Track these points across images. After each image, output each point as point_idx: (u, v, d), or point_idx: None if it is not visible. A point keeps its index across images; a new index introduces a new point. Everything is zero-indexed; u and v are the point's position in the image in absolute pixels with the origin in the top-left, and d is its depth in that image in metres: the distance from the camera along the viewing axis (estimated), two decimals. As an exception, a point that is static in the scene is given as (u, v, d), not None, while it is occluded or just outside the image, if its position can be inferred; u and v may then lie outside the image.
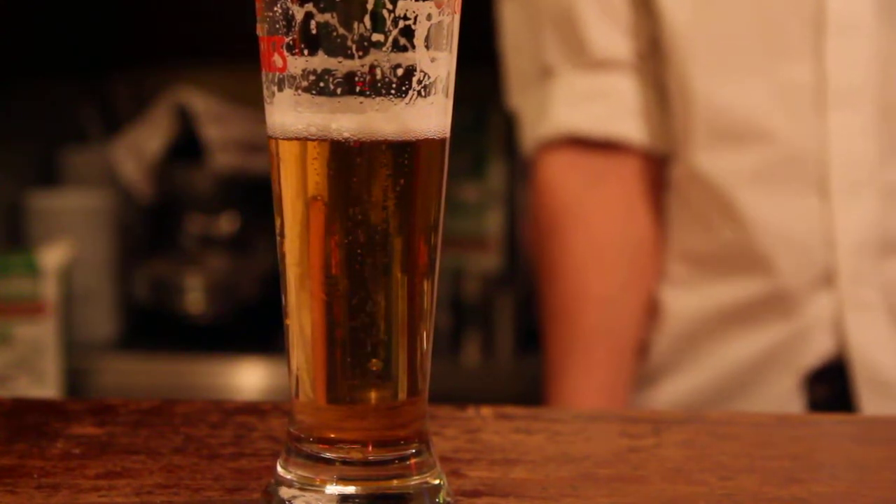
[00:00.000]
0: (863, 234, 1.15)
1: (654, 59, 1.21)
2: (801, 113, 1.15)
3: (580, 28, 1.21)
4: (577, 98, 1.22)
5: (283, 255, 0.57)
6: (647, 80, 1.22)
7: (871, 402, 1.14)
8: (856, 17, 1.14)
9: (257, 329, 1.93)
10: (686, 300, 1.22)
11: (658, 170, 1.23)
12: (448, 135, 0.57)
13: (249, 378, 1.88)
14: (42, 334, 1.72)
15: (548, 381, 1.23)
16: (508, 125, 2.13)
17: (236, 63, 1.63)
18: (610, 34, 1.21)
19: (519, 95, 1.29)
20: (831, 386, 1.17)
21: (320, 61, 0.54)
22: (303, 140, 0.55)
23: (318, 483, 0.56)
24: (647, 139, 1.22)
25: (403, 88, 0.55)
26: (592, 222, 1.22)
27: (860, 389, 1.14)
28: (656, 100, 1.22)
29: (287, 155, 0.56)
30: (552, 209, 1.23)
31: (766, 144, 1.16)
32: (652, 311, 1.24)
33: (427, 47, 0.55)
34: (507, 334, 1.99)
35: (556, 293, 1.23)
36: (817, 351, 1.16)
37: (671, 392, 1.24)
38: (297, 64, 0.55)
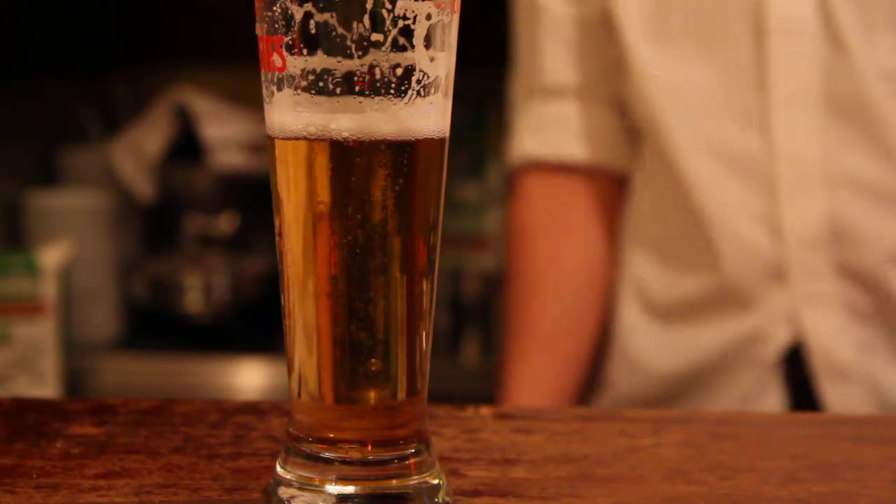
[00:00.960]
0: (812, 229, 1.17)
1: (615, 77, 1.28)
2: (748, 112, 1.17)
3: (538, 57, 1.31)
4: (535, 126, 1.32)
5: (283, 255, 0.57)
6: (601, 101, 1.30)
7: (831, 390, 1.16)
8: (798, 18, 1.16)
9: (257, 329, 1.93)
10: (650, 295, 1.26)
11: (617, 187, 1.31)
12: (447, 134, 0.57)
13: (249, 378, 1.88)
14: (41, 334, 1.72)
15: (500, 375, 1.29)
16: (508, 125, 2.13)
17: (236, 63, 1.63)
18: (560, 62, 1.30)
19: (514, 112, 1.38)
20: (793, 374, 1.19)
21: (319, 61, 0.54)
22: (302, 140, 0.55)
23: (317, 483, 0.56)
24: (597, 158, 1.30)
25: (403, 88, 0.55)
26: (554, 238, 1.31)
27: (820, 379, 1.17)
28: (612, 117, 1.30)
29: (286, 155, 0.56)
30: (522, 222, 1.33)
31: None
32: (603, 329, 1.31)
33: (426, 47, 0.55)
34: (507, 334, 1.99)
35: (517, 295, 1.31)
36: (776, 345, 1.18)
37: (634, 384, 1.26)
38: (297, 64, 0.55)
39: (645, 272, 1.26)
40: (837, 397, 1.17)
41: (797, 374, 1.19)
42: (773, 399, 1.19)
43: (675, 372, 1.24)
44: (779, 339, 1.18)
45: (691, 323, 1.23)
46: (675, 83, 1.20)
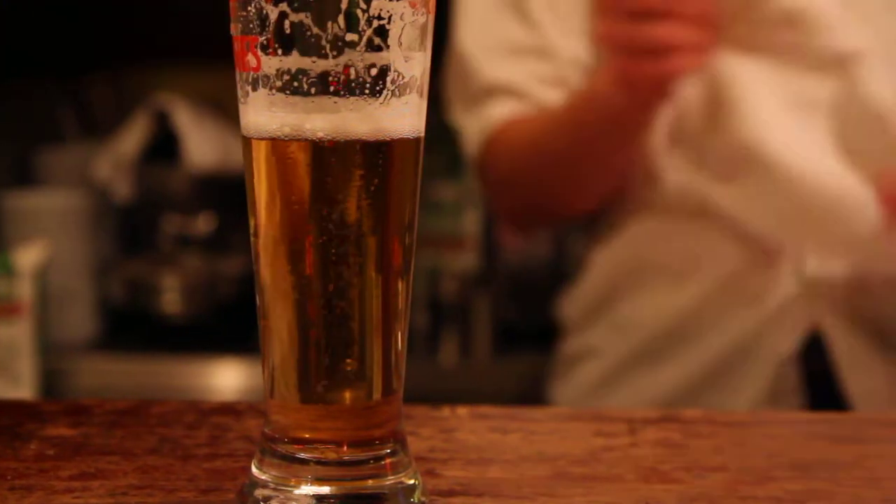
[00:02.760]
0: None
1: None
2: None
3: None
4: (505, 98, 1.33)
5: (258, 256, 0.57)
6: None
7: (853, 377, 1.17)
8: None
9: (234, 329, 1.92)
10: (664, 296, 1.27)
11: None
12: (422, 134, 0.57)
13: (226, 378, 1.88)
14: (17, 335, 1.71)
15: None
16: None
17: (213, 64, 1.63)
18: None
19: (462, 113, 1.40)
20: (814, 362, 1.20)
21: (294, 61, 0.54)
22: (277, 140, 0.55)
23: (292, 483, 0.56)
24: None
25: (377, 88, 0.54)
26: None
27: (840, 364, 1.18)
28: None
29: (261, 155, 0.56)
30: (501, 152, 1.32)
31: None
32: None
33: (401, 47, 0.55)
34: (485, 334, 1.99)
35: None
36: (790, 335, 1.19)
37: (651, 385, 1.26)
38: (271, 64, 0.55)
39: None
40: (858, 384, 1.18)
41: (816, 366, 1.21)
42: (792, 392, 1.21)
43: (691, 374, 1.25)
44: (793, 331, 1.20)
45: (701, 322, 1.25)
46: None
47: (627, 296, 1.32)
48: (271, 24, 0.54)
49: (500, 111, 1.32)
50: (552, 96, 1.30)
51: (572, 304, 1.39)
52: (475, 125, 1.35)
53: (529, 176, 1.31)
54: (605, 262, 1.34)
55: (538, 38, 1.32)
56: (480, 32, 1.35)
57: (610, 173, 1.29)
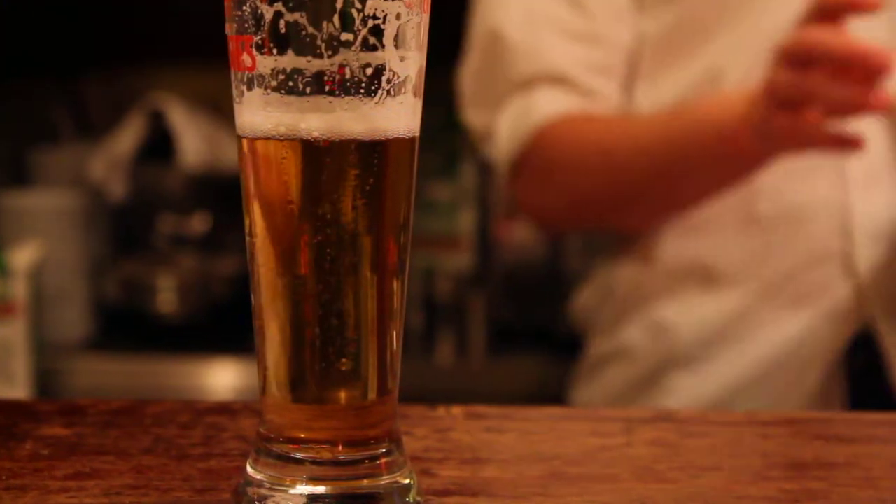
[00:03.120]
0: (879, 222, 1.18)
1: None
2: None
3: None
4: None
5: (253, 255, 0.57)
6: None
7: None
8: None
9: (229, 329, 1.92)
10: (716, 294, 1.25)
11: None
12: (417, 134, 0.57)
13: (221, 378, 1.88)
14: (12, 335, 1.71)
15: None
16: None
17: (208, 64, 1.63)
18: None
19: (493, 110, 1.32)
20: (860, 361, 1.20)
21: (289, 61, 0.54)
22: (272, 140, 0.55)
23: (287, 483, 0.56)
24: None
25: (373, 88, 0.54)
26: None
27: (892, 362, 1.19)
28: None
29: (256, 154, 0.56)
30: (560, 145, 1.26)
31: None
32: None
33: (396, 47, 0.55)
34: (480, 333, 1.99)
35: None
36: (841, 335, 1.19)
37: (688, 389, 1.25)
38: (266, 63, 0.55)
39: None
40: None
41: (863, 364, 1.20)
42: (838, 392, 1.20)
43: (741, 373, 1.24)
44: (846, 330, 1.20)
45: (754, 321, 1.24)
46: None
47: (664, 297, 1.27)
48: (266, 24, 0.54)
49: (552, 102, 1.25)
50: (600, 85, 1.25)
51: (596, 305, 1.35)
52: (515, 114, 1.27)
53: (591, 185, 1.25)
54: (635, 262, 1.30)
55: (588, 22, 1.26)
56: (524, 15, 1.28)
57: (689, 201, 1.23)
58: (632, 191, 1.23)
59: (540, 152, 1.26)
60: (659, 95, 1.26)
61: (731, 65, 1.23)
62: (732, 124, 1.12)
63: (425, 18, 0.56)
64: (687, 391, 1.24)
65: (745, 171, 1.16)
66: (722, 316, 1.24)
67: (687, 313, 1.26)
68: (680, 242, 1.26)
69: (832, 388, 1.21)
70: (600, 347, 1.33)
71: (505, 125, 1.29)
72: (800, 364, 1.21)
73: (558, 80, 1.26)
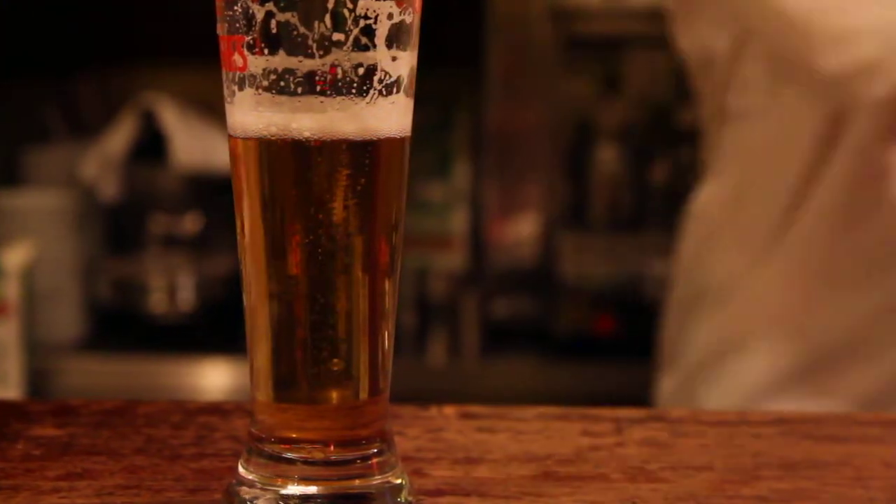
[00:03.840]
0: None
1: None
2: None
3: None
4: None
5: (244, 255, 0.57)
6: None
7: None
8: None
9: (221, 329, 1.93)
10: None
11: None
12: (409, 134, 0.57)
13: (213, 378, 1.88)
14: (4, 335, 1.71)
15: None
16: (474, 124, 2.14)
17: (200, 64, 1.62)
18: None
19: None
20: None
21: (281, 60, 0.54)
22: (263, 140, 0.55)
23: (279, 483, 0.56)
24: None
25: (364, 88, 0.54)
26: None
27: None
28: None
29: (247, 155, 0.56)
30: None
31: None
32: None
33: (388, 46, 0.55)
34: (473, 333, 2.00)
35: None
36: None
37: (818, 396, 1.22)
38: (258, 63, 0.55)
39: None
40: None
41: None
42: None
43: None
44: None
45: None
46: None
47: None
48: (258, 24, 0.54)
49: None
50: None
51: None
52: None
53: None
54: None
55: None
56: None
57: None
58: None
59: None
60: None
61: None
62: None
63: (417, 18, 0.56)
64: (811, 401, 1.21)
65: None
66: (858, 322, 1.20)
67: (821, 316, 1.21)
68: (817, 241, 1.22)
69: None
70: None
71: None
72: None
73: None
